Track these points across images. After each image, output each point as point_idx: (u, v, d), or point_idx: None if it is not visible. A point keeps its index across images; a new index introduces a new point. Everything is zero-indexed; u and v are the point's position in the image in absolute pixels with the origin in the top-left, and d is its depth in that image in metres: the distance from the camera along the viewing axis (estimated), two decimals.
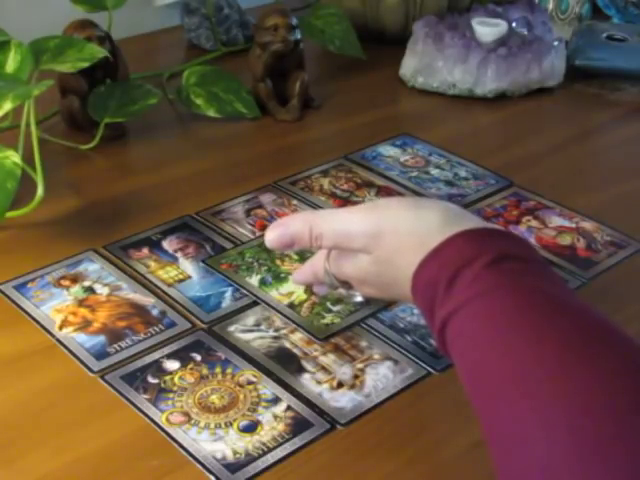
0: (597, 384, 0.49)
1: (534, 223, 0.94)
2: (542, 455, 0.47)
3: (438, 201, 0.67)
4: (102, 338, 0.76)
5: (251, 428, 0.67)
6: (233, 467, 0.64)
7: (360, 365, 0.74)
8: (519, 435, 0.49)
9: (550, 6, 1.39)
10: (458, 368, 0.57)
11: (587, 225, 0.94)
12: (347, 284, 0.71)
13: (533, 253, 0.60)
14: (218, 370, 0.73)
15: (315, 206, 0.95)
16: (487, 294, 0.56)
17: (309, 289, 0.80)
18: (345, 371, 0.73)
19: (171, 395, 0.70)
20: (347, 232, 0.66)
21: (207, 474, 0.63)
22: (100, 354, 0.74)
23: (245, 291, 0.82)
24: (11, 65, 0.90)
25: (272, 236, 0.69)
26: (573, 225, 0.94)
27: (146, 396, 0.70)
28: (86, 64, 0.94)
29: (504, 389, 0.52)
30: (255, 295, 0.81)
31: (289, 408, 0.69)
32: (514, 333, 0.53)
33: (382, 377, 0.73)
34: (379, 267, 0.65)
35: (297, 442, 0.66)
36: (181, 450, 0.65)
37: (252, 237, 0.89)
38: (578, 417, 0.47)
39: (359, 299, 0.78)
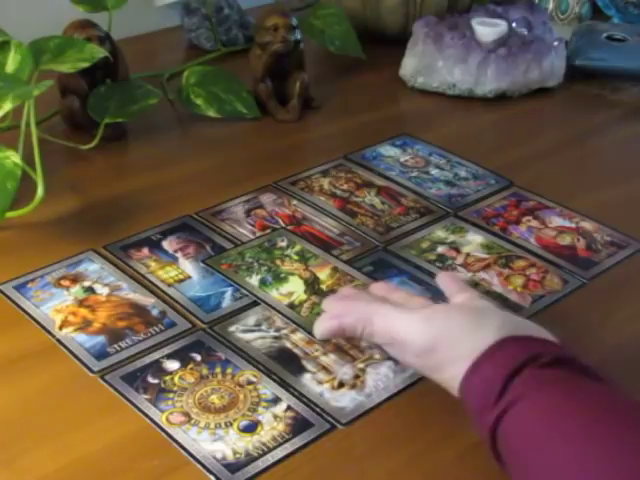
0: None
1: (534, 223, 0.94)
2: None
3: (498, 310, 0.68)
4: (102, 338, 0.76)
5: (251, 428, 0.67)
6: (233, 467, 0.64)
7: (361, 365, 0.74)
8: None
9: (550, 6, 1.39)
10: (513, 458, 0.58)
11: (587, 225, 0.94)
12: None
13: (577, 357, 0.62)
14: (218, 370, 0.73)
15: (315, 206, 0.95)
16: (545, 388, 0.58)
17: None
18: (346, 371, 0.73)
19: (171, 395, 0.70)
20: (401, 340, 0.67)
21: (207, 474, 0.63)
22: (100, 354, 0.74)
23: (245, 291, 0.82)
24: (11, 65, 0.90)
25: (325, 327, 0.70)
26: (573, 225, 0.94)
27: (146, 396, 0.70)
28: (86, 64, 0.94)
29: (568, 475, 0.54)
30: (255, 295, 0.81)
31: (289, 408, 0.69)
32: (571, 423, 0.56)
33: (383, 377, 0.73)
34: (424, 363, 0.66)
35: (297, 442, 0.66)
36: (181, 450, 0.65)
37: (252, 237, 0.89)
38: None
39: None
